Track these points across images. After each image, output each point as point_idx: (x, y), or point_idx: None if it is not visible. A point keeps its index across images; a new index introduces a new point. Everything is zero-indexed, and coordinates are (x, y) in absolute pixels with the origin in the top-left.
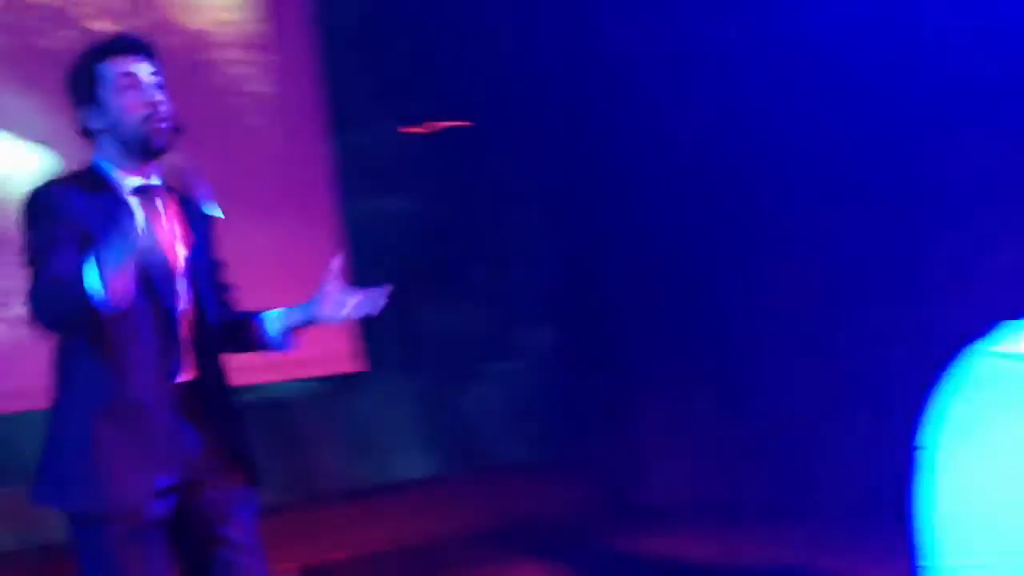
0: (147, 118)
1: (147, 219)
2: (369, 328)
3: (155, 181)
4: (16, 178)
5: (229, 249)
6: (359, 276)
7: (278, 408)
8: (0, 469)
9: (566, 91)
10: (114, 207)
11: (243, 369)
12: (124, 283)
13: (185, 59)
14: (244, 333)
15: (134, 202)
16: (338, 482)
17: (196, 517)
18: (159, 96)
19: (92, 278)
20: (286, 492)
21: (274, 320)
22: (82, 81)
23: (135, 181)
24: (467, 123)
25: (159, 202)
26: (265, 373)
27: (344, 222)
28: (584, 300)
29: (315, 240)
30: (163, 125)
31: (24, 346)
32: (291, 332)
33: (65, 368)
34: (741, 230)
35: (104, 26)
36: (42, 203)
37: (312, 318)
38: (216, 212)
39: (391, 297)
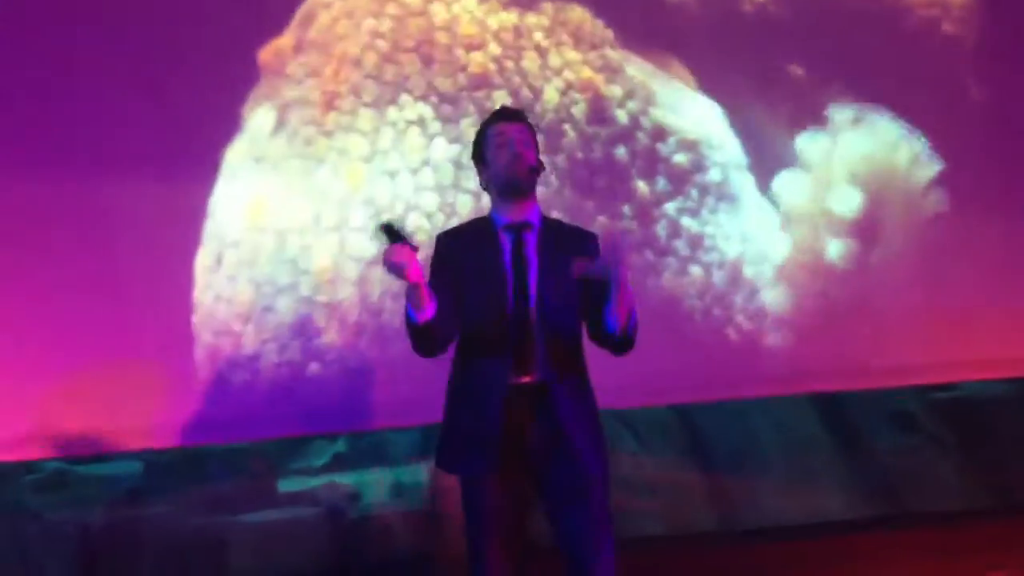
0: (510, 163)
1: (512, 250)
2: None
3: (528, 220)
4: None
5: None
6: None
7: (972, 409)
8: (706, 455)
9: None
10: (486, 242)
11: (935, 367)
12: (423, 306)
13: None
14: (600, 329)
15: (506, 237)
16: None
17: (544, 495)
18: (520, 148)
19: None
20: (979, 498)
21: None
22: (476, 145)
23: (508, 219)
24: None
25: (525, 236)
26: (960, 372)
27: None
28: None
29: None
30: (522, 169)
31: None
32: (611, 312)
33: (452, 365)
34: None
35: None
36: (435, 250)
37: (610, 281)
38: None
39: None
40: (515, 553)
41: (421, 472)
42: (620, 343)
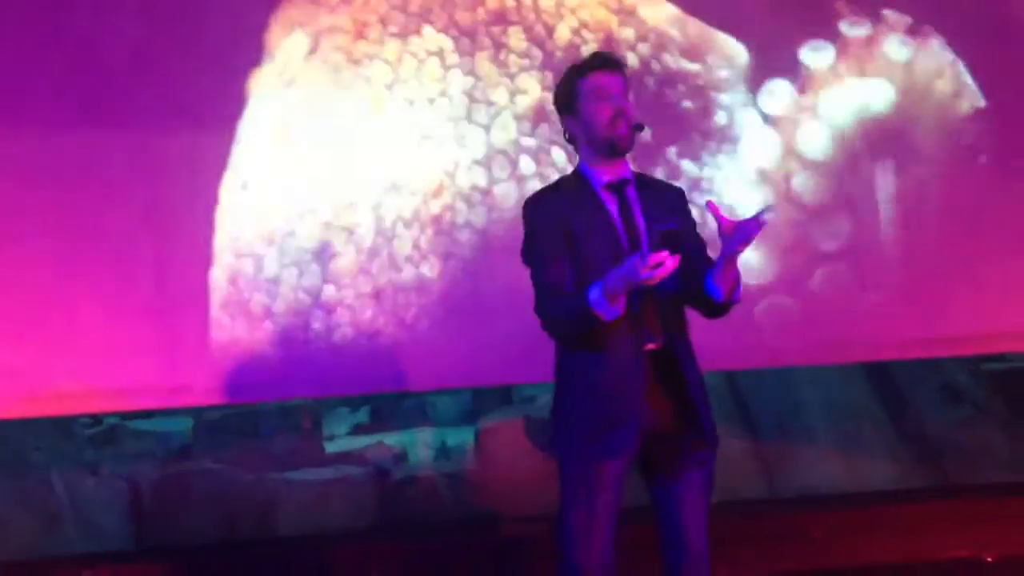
0: (612, 122)
1: (617, 208)
2: None
3: (625, 176)
4: None
5: None
6: None
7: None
8: (752, 422)
9: None
10: (590, 202)
11: (994, 338)
12: (621, 297)
13: None
14: (700, 294)
15: (609, 196)
16: None
17: (656, 468)
18: (623, 104)
19: (596, 297)
20: None
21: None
22: (564, 94)
23: (607, 177)
24: None
25: (628, 194)
26: (1010, 343)
27: None
28: None
29: None
30: (624, 128)
31: None
32: (716, 278)
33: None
34: None
35: None
36: (529, 212)
37: (724, 255)
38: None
39: None
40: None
41: (468, 434)
42: (720, 308)
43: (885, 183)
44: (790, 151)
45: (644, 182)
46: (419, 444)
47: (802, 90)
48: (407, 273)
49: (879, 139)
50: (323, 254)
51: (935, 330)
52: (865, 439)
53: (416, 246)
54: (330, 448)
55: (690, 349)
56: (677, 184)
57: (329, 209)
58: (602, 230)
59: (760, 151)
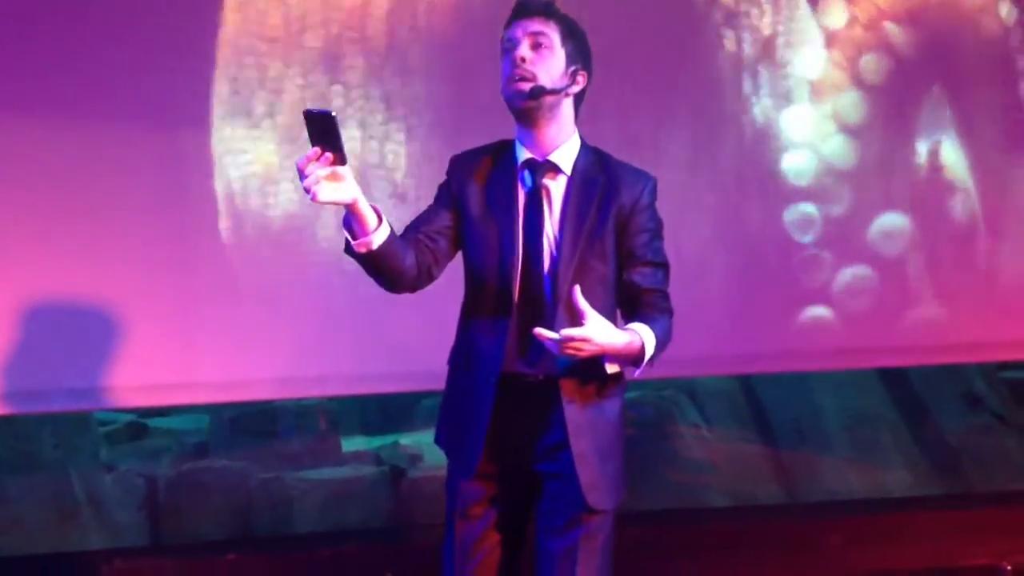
0: (508, 79)
1: (528, 200)
2: None
3: (552, 157)
4: None
5: None
6: None
7: None
8: (769, 428)
9: None
10: (501, 180)
11: (1012, 345)
12: (366, 229)
13: None
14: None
15: (524, 179)
16: None
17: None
18: (524, 54)
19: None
20: None
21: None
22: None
23: (526, 155)
24: None
25: (542, 183)
26: None
27: None
28: None
29: None
30: (518, 85)
31: None
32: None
33: (458, 322)
34: None
35: None
36: (447, 171)
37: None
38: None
39: None
40: None
41: None
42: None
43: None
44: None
45: (592, 169)
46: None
47: None
48: None
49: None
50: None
51: (953, 336)
52: (883, 446)
53: None
54: (347, 447)
55: (596, 386)
56: (646, 175)
57: None
58: (500, 220)
59: None
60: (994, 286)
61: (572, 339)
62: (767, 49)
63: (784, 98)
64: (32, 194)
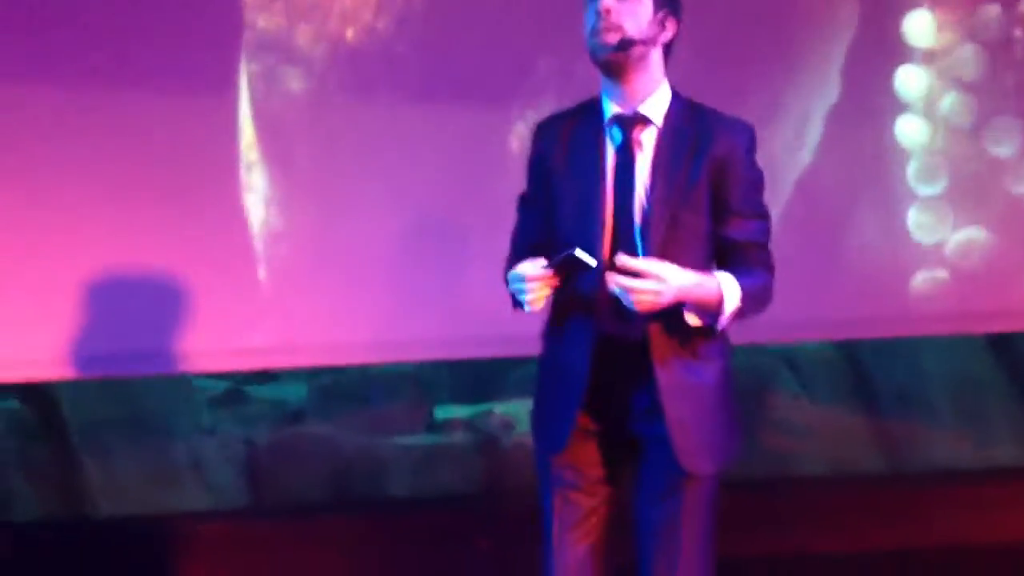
0: (592, 31)
1: (618, 156)
2: None
3: (642, 109)
4: None
5: None
6: None
7: None
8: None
9: None
10: (588, 139)
11: None
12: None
13: None
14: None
15: (612, 135)
16: None
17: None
18: (609, 4)
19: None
20: None
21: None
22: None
23: (614, 110)
24: None
25: (635, 136)
26: None
27: None
28: None
29: None
30: (604, 37)
31: None
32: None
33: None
34: None
35: None
36: (531, 141)
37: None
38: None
39: None
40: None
41: None
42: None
43: None
44: None
45: (684, 120)
46: (529, 414)
47: None
48: None
49: None
50: None
51: None
52: (990, 415)
53: None
54: (439, 415)
55: (692, 345)
56: (744, 123)
57: None
58: (587, 179)
59: None
60: None
61: (642, 277)
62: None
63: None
64: (136, 168)
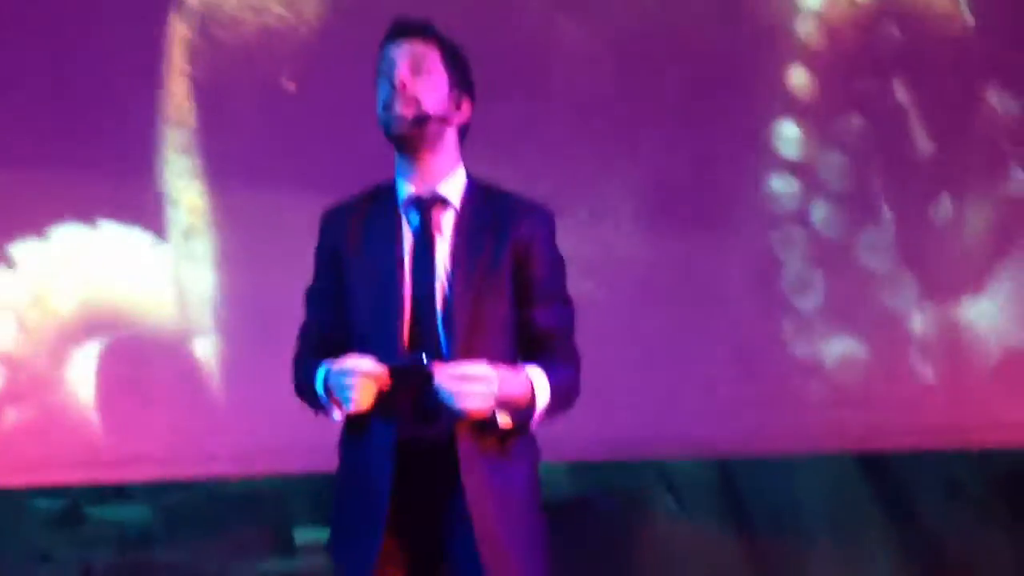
0: (385, 104)
1: (416, 240)
2: None
3: (435, 193)
4: None
5: None
6: None
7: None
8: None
9: None
10: (382, 225)
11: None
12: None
13: None
14: None
15: (409, 218)
16: None
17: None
18: (404, 78)
19: (320, 385)
20: None
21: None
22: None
23: (410, 191)
24: None
25: (434, 217)
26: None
27: None
28: None
29: None
30: (400, 110)
31: None
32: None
33: None
34: None
35: None
36: (319, 234)
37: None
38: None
39: None
40: None
41: None
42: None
43: None
44: None
45: (481, 202)
46: None
47: None
48: None
49: None
50: None
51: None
52: (864, 535)
53: None
54: (299, 538)
55: (501, 447)
56: (544, 207)
57: None
58: (383, 264)
59: None
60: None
61: (467, 377)
62: None
63: None
64: None
